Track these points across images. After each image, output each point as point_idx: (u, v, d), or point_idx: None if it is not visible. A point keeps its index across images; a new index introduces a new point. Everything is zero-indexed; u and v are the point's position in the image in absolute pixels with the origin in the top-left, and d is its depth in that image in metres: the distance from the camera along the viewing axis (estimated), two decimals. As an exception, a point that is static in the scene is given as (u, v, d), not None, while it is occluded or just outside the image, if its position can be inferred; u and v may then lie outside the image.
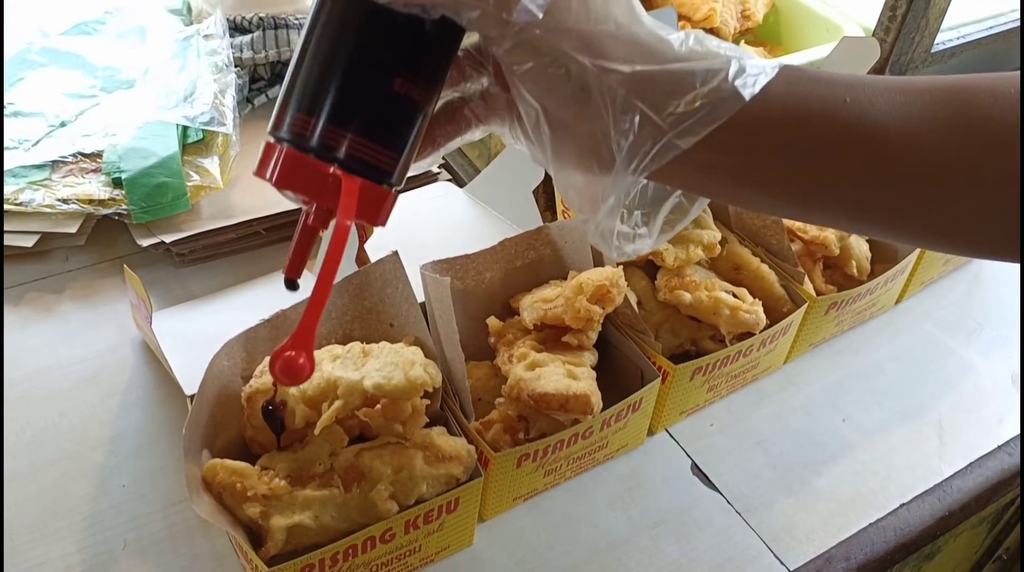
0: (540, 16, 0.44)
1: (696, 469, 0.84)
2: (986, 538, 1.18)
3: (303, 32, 0.47)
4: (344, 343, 0.75)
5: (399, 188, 0.49)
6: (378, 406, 0.69)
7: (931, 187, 0.47)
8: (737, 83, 0.44)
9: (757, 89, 0.45)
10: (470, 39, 0.49)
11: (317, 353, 0.71)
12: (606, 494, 0.81)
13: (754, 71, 0.45)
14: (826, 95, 0.46)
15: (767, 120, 0.46)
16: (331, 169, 0.46)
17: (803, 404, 0.91)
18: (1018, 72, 0.48)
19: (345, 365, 0.69)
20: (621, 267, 0.80)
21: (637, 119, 0.45)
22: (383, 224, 0.50)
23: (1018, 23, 1.38)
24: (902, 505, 0.84)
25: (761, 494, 0.83)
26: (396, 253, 0.76)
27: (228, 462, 0.65)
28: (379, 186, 0.48)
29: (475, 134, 0.54)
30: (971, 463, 0.88)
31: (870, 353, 0.98)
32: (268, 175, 0.47)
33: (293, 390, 0.68)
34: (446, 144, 0.53)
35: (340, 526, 0.66)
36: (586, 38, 0.45)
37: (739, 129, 0.45)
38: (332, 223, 0.47)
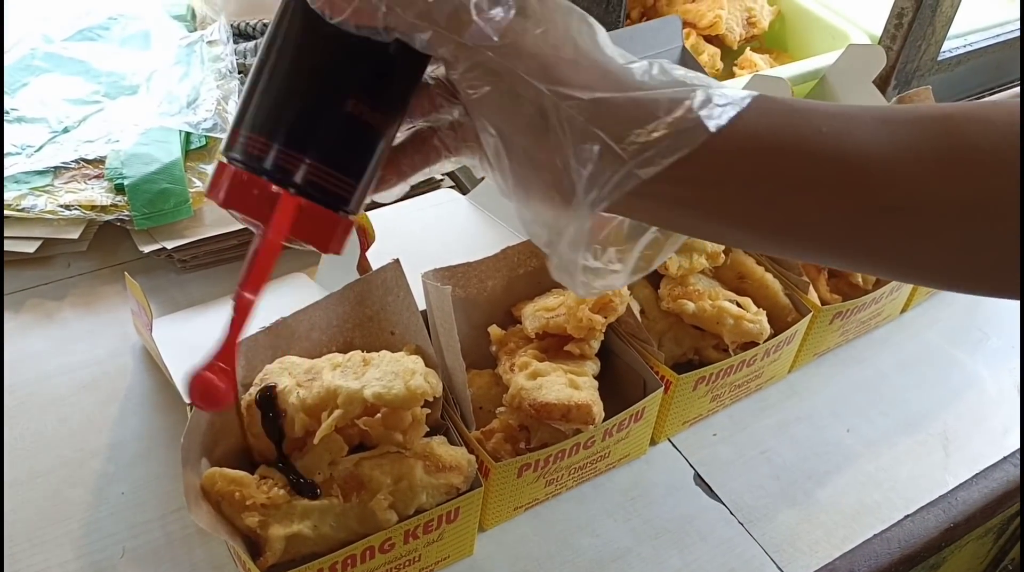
0: (495, 39, 0.42)
1: (699, 479, 0.84)
2: (991, 548, 1.17)
3: (260, 51, 0.46)
4: (345, 351, 0.75)
5: (354, 216, 0.48)
6: (378, 415, 0.69)
7: (916, 220, 0.44)
8: (702, 113, 0.42)
9: (724, 120, 0.43)
10: (439, 69, 0.48)
11: (318, 361, 0.71)
12: (608, 504, 0.80)
13: (721, 102, 0.43)
14: (800, 125, 0.44)
15: (735, 152, 0.43)
16: (270, 188, 0.44)
17: (807, 414, 0.91)
18: (1007, 99, 0.46)
19: (345, 374, 0.68)
20: (624, 276, 0.79)
21: (597, 148, 0.43)
22: (337, 251, 0.49)
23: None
24: (906, 517, 0.83)
25: (764, 505, 0.82)
26: (398, 261, 0.75)
27: (227, 471, 0.65)
28: (328, 210, 0.46)
29: (445, 165, 0.52)
30: (976, 474, 0.88)
31: (875, 363, 0.97)
32: (217, 194, 0.46)
33: (292, 399, 0.67)
34: (413, 174, 0.52)
35: (339, 536, 0.66)
36: (543, 62, 0.43)
37: (705, 161, 0.43)
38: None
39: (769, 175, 0.44)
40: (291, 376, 0.69)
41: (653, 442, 0.86)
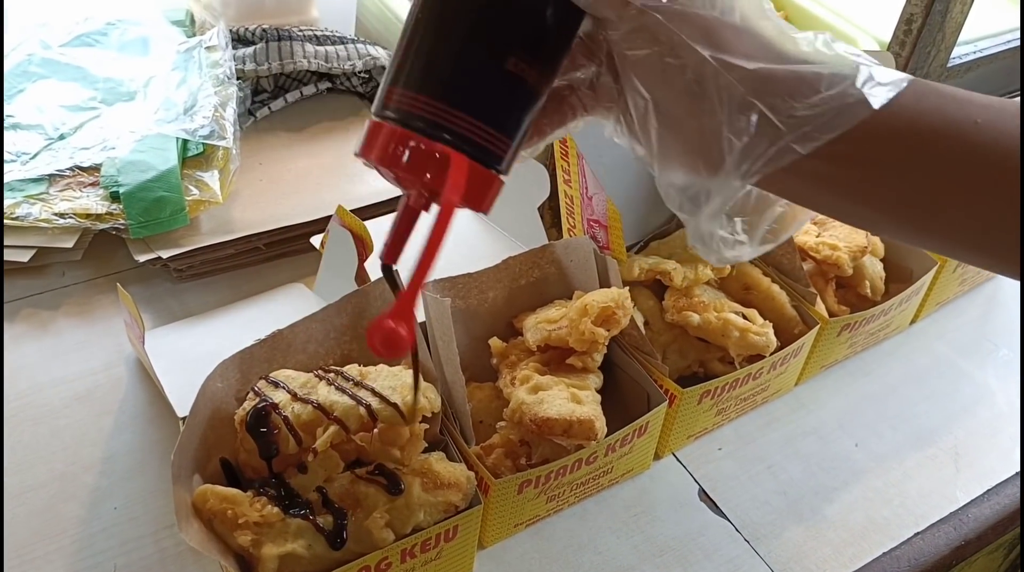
0: (664, 0, 0.42)
1: (703, 495, 0.82)
2: (1002, 563, 1.15)
3: (412, 8, 0.46)
4: (342, 365, 0.73)
5: (506, 176, 0.48)
6: (375, 431, 0.67)
7: None
8: (865, 90, 0.42)
9: (886, 99, 0.42)
10: (583, 26, 0.47)
11: (313, 376, 0.69)
12: (610, 520, 0.79)
13: (884, 80, 0.42)
14: (955, 112, 0.43)
15: (891, 134, 0.43)
16: (438, 148, 0.45)
17: (814, 428, 0.89)
18: None
19: (342, 389, 0.67)
20: (627, 288, 0.78)
21: (754, 119, 0.43)
22: (487, 211, 0.49)
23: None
24: (916, 534, 0.81)
25: (770, 521, 0.80)
26: (396, 272, 0.74)
27: (219, 488, 0.63)
28: (487, 169, 0.46)
29: (578, 124, 0.52)
30: (988, 490, 0.86)
31: (883, 375, 0.95)
32: (373, 154, 0.46)
33: (287, 413, 0.66)
34: (552, 133, 0.52)
35: (334, 555, 0.64)
36: (708, 28, 0.43)
37: (861, 141, 0.42)
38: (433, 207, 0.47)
39: (922, 161, 0.43)
40: (286, 391, 0.67)
41: (657, 457, 0.84)
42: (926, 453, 0.88)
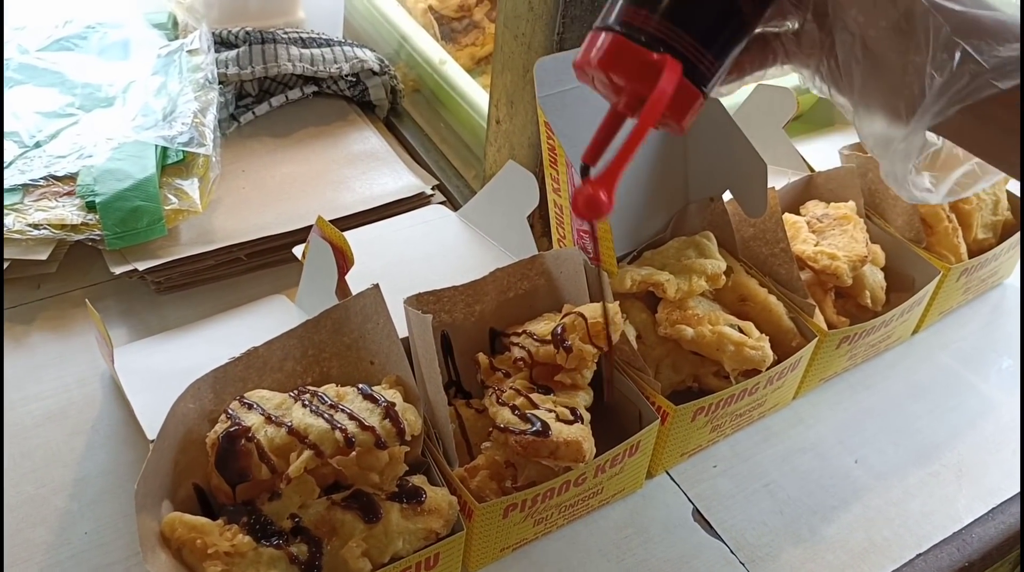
0: None
1: (697, 515, 0.79)
2: (1007, 578, 1.12)
3: None
4: (321, 383, 0.70)
5: (705, 100, 0.53)
6: (353, 454, 0.64)
7: None
8: None
9: None
10: None
11: (288, 397, 0.67)
12: (601, 543, 0.76)
13: None
14: None
15: None
16: (656, 58, 0.50)
17: (813, 444, 0.86)
18: None
19: (317, 411, 0.64)
20: (618, 302, 0.75)
21: (957, 56, 0.46)
22: (684, 130, 0.54)
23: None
24: (918, 556, 0.78)
25: (767, 543, 0.78)
26: (377, 286, 0.71)
27: (187, 517, 0.61)
28: (693, 86, 0.52)
29: (775, 70, 0.57)
30: (992, 509, 0.83)
31: (885, 388, 0.92)
32: (592, 58, 0.52)
33: (259, 437, 0.63)
34: (751, 73, 0.56)
35: (308, 586, 0.61)
36: None
37: None
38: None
39: None
40: (259, 413, 0.65)
41: (650, 475, 0.81)
42: (928, 470, 0.85)
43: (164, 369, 0.78)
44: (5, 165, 0.90)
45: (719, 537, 0.78)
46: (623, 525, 0.77)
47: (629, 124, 0.54)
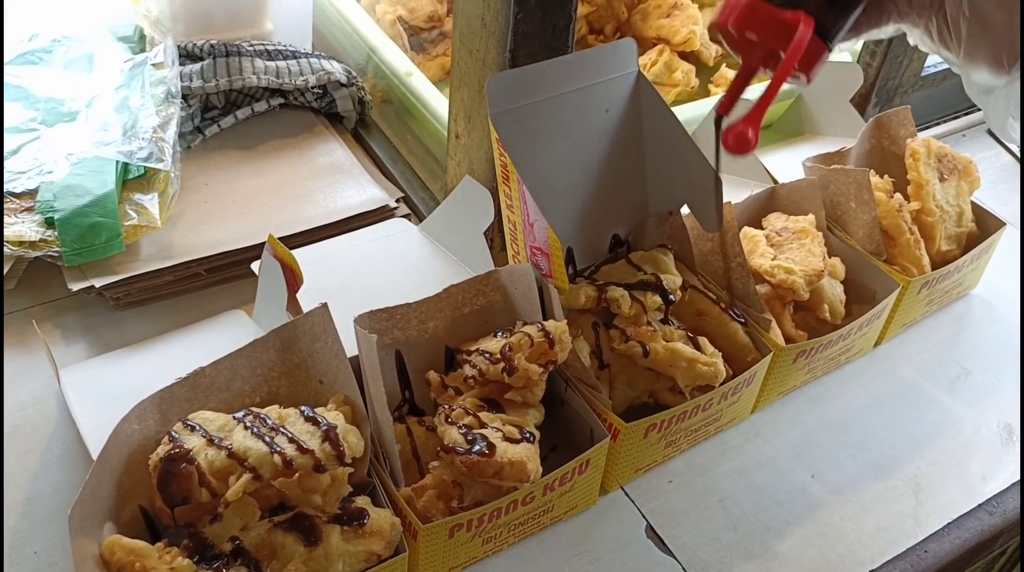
0: None
1: (651, 531, 0.79)
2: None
3: None
4: (269, 403, 0.71)
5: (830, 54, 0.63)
6: (295, 476, 0.65)
7: None
8: None
9: None
10: None
11: (232, 419, 0.67)
12: (553, 560, 0.76)
13: None
14: None
15: None
16: (791, 15, 0.60)
17: (770, 458, 0.86)
18: None
19: (259, 434, 0.64)
20: (565, 322, 0.75)
21: None
22: (811, 80, 0.64)
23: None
24: (871, 572, 0.78)
25: (719, 560, 0.78)
26: (325, 305, 0.71)
27: (125, 540, 0.61)
28: (822, 41, 0.61)
29: (889, 29, 0.65)
30: (948, 524, 0.83)
31: (845, 401, 0.92)
32: (729, 17, 0.63)
33: (199, 460, 0.63)
34: (867, 32, 0.64)
35: (248, 609, 0.62)
36: None
37: None
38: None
39: None
40: (201, 435, 0.65)
41: (604, 491, 0.81)
42: (886, 484, 0.85)
43: (116, 388, 0.78)
44: (-36, 182, 0.90)
45: (671, 554, 0.78)
46: (575, 542, 0.78)
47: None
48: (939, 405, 0.93)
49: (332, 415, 0.66)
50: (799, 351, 0.85)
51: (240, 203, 0.98)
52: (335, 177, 1.03)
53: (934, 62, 1.23)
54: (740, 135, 0.62)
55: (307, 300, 0.77)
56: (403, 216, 1.01)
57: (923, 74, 1.20)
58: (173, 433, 0.65)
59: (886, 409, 0.92)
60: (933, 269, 0.95)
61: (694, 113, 1.08)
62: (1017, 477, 0.87)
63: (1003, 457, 0.89)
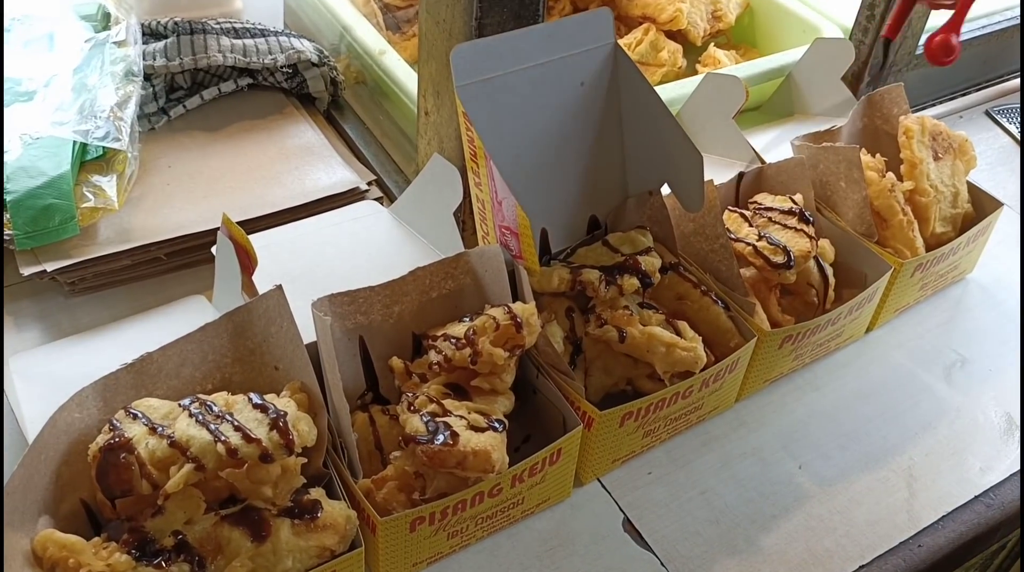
0: None
1: (628, 525, 0.75)
2: (975, 584, 1.08)
3: None
4: (221, 390, 0.67)
5: None
6: (244, 468, 0.61)
7: None
8: None
9: None
10: None
11: (177, 406, 0.63)
12: (523, 556, 0.72)
13: None
14: None
15: None
16: None
17: (755, 448, 0.82)
18: None
19: (203, 422, 0.60)
20: (534, 304, 0.71)
21: None
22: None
23: (1016, 21, 1.28)
24: (861, 567, 0.74)
25: (700, 554, 0.74)
26: (280, 288, 0.67)
27: (58, 535, 0.57)
28: None
29: None
30: (943, 517, 0.79)
31: (835, 389, 0.88)
32: None
33: (140, 449, 0.59)
34: None
35: (189, 608, 0.58)
36: None
37: None
38: None
39: None
40: (144, 423, 0.61)
41: (580, 483, 0.77)
42: (877, 476, 0.81)
43: (65, 375, 0.74)
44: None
45: (649, 548, 0.74)
46: (548, 536, 0.74)
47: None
48: (934, 393, 0.89)
49: (283, 402, 0.63)
50: (785, 336, 0.81)
51: (204, 185, 0.94)
52: (305, 159, 0.99)
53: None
54: (944, 42, 0.63)
55: (267, 285, 0.73)
56: (375, 199, 0.97)
57: (917, 52, 1.16)
58: (114, 421, 0.62)
59: (878, 398, 0.88)
60: (927, 252, 0.91)
61: (678, 92, 1.04)
62: (1016, 467, 0.83)
63: (1001, 447, 0.85)
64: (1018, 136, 1.23)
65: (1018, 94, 1.31)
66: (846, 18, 1.16)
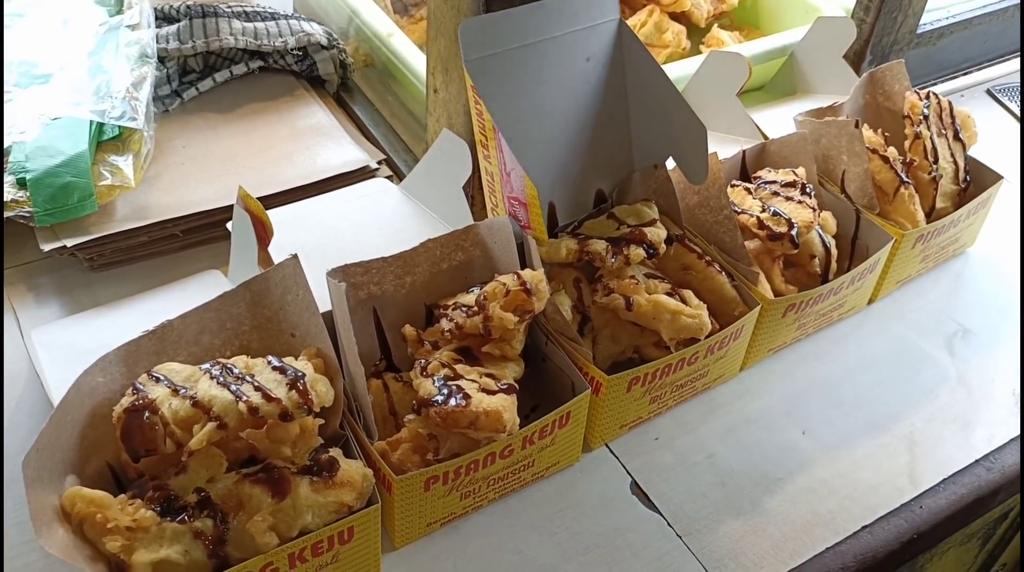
0: None
1: (636, 488, 0.77)
2: (978, 554, 1.09)
3: None
4: (241, 355, 0.69)
5: None
6: (265, 427, 0.63)
7: None
8: None
9: None
10: None
11: (198, 369, 0.65)
12: (534, 517, 0.74)
13: None
14: None
15: None
16: None
17: (759, 415, 0.84)
18: None
19: (224, 383, 0.62)
20: (543, 270, 0.73)
21: None
22: None
23: (1016, 1, 1.29)
24: (864, 528, 0.76)
25: (706, 515, 0.75)
26: (295, 256, 0.69)
27: (85, 491, 0.59)
28: None
29: None
30: (944, 480, 0.81)
31: (838, 358, 0.90)
32: None
33: (164, 410, 0.61)
34: None
35: (212, 561, 0.60)
36: None
37: None
38: None
39: None
40: (166, 385, 0.63)
41: (588, 448, 0.79)
42: (879, 441, 0.83)
43: (86, 345, 0.76)
44: (-65, 143, 0.89)
45: (656, 510, 0.76)
46: (557, 499, 0.76)
47: None
48: (935, 362, 0.91)
49: (301, 364, 0.64)
50: (788, 305, 0.83)
51: (217, 165, 0.96)
52: (315, 139, 1.01)
53: (929, 19, 1.20)
54: None
55: (281, 258, 0.75)
56: (385, 178, 0.99)
57: (918, 31, 1.18)
58: (137, 384, 0.63)
59: (880, 367, 0.90)
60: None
61: (682, 71, 1.06)
62: (1017, 433, 0.85)
63: (1002, 414, 0.86)
64: (1019, 114, 1.24)
65: (1018, 73, 1.32)
66: (847, -2, 1.18)
